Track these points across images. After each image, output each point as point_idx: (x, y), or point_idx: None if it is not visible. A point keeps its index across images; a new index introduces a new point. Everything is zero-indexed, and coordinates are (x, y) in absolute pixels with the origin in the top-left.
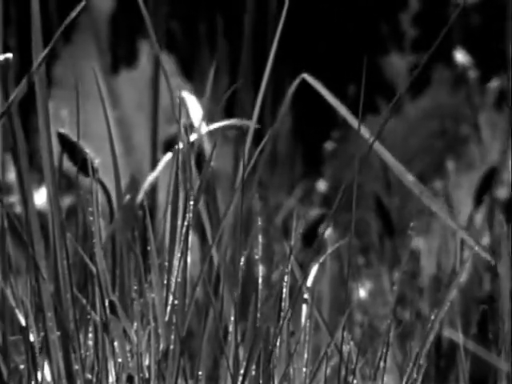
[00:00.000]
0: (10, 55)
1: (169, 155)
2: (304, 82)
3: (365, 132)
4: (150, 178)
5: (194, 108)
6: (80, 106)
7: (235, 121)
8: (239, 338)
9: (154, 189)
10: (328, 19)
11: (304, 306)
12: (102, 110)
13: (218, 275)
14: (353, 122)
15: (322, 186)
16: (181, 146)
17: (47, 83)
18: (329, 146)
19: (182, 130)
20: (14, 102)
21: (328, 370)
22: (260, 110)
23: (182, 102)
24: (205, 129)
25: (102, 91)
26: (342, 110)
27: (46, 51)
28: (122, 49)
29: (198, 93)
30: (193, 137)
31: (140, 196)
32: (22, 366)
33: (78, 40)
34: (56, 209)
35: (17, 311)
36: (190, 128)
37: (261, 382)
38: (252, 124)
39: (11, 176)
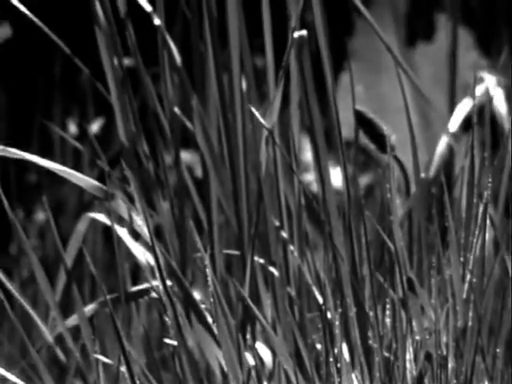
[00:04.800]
0: (304, 32)
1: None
2: None
3: None
4: (444, 154)
5: (493, 86)
6: (376, 80)
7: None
8: None
9: (450, 165)
10: None
11: None
12: (397, 84)
13: None
14: None
15: None
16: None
17: (343, 56)
18: None
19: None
20: (308, 80)
21: None
22: None
23: (480, 80)
24: (502, 107)
25: (399, 65)
26: None
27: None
28: (420, 22)
29: (496, 68)
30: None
31: (436, 172)
32: (318, 345)
33: (374, 13)
34: (352, 187)
35: (314, 288)
36: (489, 105)
37: None
38: None
39: (308, 155)
